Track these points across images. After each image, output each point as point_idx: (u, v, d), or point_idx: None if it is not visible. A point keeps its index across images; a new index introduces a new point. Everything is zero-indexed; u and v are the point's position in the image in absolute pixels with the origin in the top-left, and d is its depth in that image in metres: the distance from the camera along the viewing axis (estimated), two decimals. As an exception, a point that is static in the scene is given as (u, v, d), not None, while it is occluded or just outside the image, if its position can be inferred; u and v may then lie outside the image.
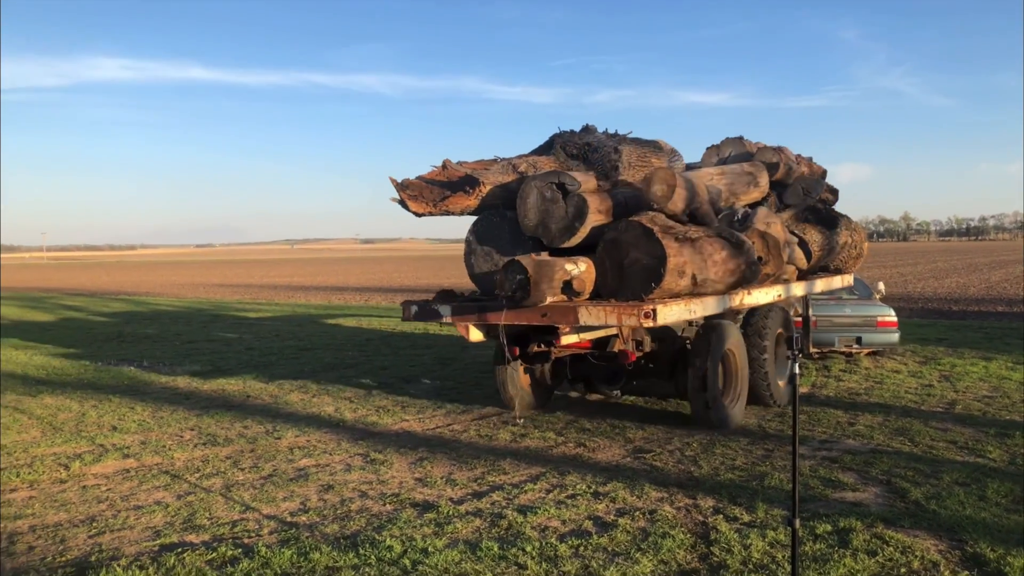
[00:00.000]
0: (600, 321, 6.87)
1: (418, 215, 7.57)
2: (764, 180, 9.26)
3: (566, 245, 7.18)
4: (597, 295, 7.10)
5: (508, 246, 7.52)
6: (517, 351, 7.97)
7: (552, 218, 7.13)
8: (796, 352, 3.58)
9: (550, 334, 7.61)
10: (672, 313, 6.80)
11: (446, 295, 7.95)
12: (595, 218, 7.05)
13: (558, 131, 8.38)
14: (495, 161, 7.89)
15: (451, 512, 5.38)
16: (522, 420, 7.92)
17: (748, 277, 7.72)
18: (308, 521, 5.27)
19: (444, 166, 7.70)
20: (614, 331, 7.60)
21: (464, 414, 8.61)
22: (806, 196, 10.09)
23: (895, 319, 11.77)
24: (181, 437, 7.75)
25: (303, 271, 68.73)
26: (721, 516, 5.18)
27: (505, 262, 6.88)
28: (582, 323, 6.97)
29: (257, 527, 5.17)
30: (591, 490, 5.80)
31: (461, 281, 42.44)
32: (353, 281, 46.23)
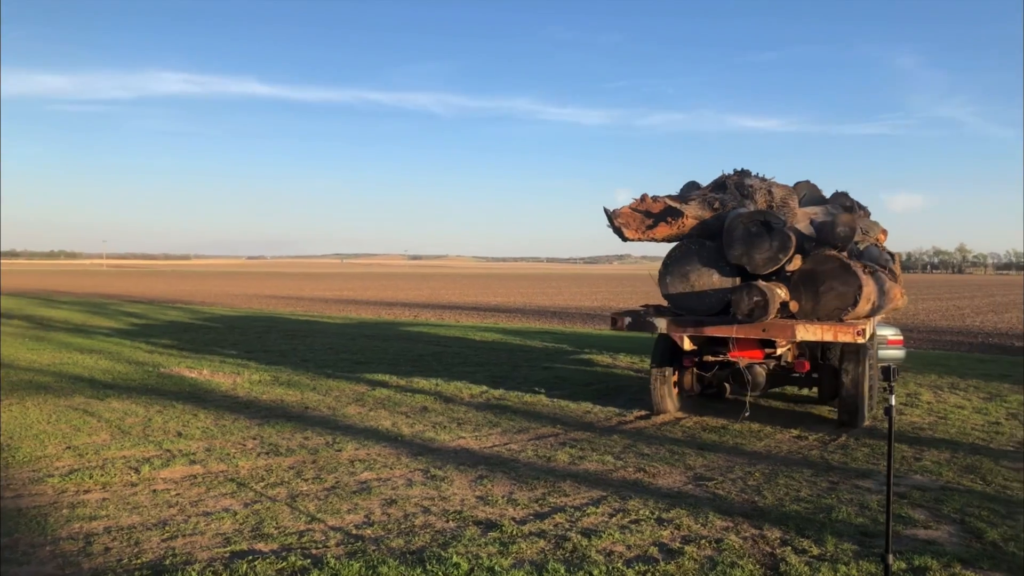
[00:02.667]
0: (816, 337, 8.19)
1: (627, 240, 9.17)
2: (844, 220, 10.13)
3: (767, 273, 8.56)
4: (791, 316, 8.50)
5: (703, 271, 8.89)
6: (693, 362, 9.36)
7: (757, 250, 8.48)
8: (892, 383, 3.53)
9: (724, 346, 8.98)
10: (871, 331, 8.21)
11: (658, 309, 9.38)
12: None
13: (723, 173, 9.95)
14: (689, 196, 9.33)
15: (515, 532, 5.38)
16: (747, 415, 8.97)
17: (900, 304, 9.92)
18: (373, 535, 5.32)
19: (643, 199, 9.07)
20: (785, 346, 8.96)
21: (520, 433, 8.62)
22: (865, 235, 10.48)
23: (902, 338, 12.90)
24: (244, 445, 7.88)
25: (353, 285, 69.55)
26: (789, 548, 5.10)
27: (742, 286, 8.26)
28: (798, 338, 8.30)
29: (324, 538, 5.24)
30: (654, 516, 5.76)
31: (508, 299, 42.56)
32: (402, 296, 46.65)
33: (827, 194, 11.32)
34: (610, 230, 9.30)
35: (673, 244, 9.43)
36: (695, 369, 9.59)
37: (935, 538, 5.33)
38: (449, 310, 33.19)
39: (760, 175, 10.24)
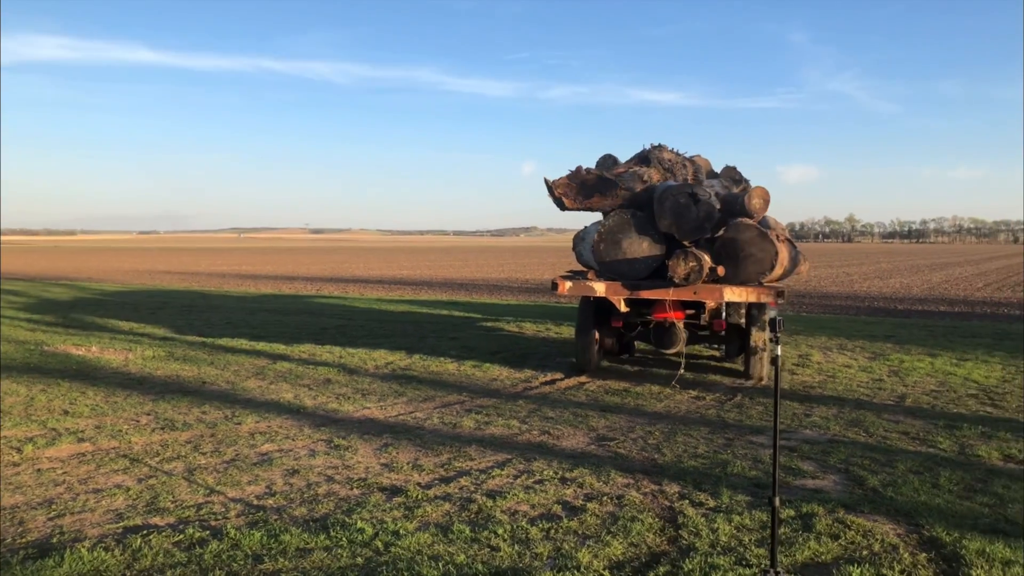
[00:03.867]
0: (741, 299, 8.99)
1: (566, 209, 9.79)
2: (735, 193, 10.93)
3: (692, 240, 9.15)
4: (715, 280, 9.12)
5: (635, 239, 9.45)
6: (622, 323, 10.05)
7: (685, 219, 9.05)
8: (777, 334, 3.69)
9: (647, 307, 9.69)
10: (786, 294, 9.01)
11: (598, 275, 9.79)
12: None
13: (645, 147, 10.76)
14: (619, 168, 10.04)
15: (420, 496, 5.37)
16: (676, 385, 9.46)
17: (803, 270, 11.46)
18: (275, 504, 5.21)
19: (577, 171, 9.74)
20: (713, 305, 9.72)
21: (426, 402, 8.60)
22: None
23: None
24: (137, 421, 7.58)
25: (252, 260, 67.64)
26: (687, 501, 5.27)
27: (679, 253, 8.91)
28: (726, 300, 9.04)
29: (223, 510, 5.10)
30: (558, 476, 5.85)
31: (415, 272, 42.26)
32: (304, 271, 45.66)
33: (716, 167, 11.98)
34: (550, 200, 9.95)
35: (599, 214, 10.17)
36: (622, 329, 10.24)
37: (822, 487, 5.60)
38: (353, 283, 32.70)
39: (675, 149, 10.95)
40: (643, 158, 10.51)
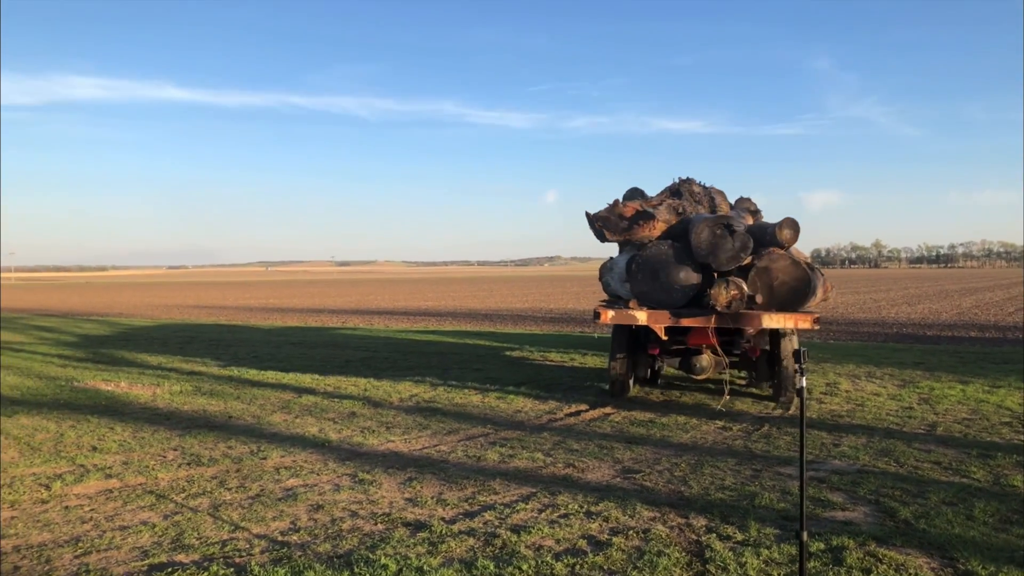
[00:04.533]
0: (779, 325, 9.23)
1: (606, 240, 10.23)
2: (750, 223, 11.32)
3: (728, 270, 9.44)
4: (750, 308, 9.31)
5: (672, 269, 9.70)
6: (658, 350, 10.38)
7: (721, 249, 9.41)
8: (802, 365, 3.65)
9: (683, 335, 10.03)
10: (820, 321, 9.22)
11: (639, 304, 9.91)
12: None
13: (676, 180, 11.27)
14: (659, 201, 10.31)
15: (444, 531, 5.34)
16: (723, 409, 9.68)
17: (829, 297, 11.26)
18: (300, 540, 5.21)
19: (615, 204, 10.12)
20: (751, 332, 9.85)
21: (450, 435, 8.58)
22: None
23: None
24: (164, 457, 7.63)
25: (279, 293, 68.21)
26: (714, 535, 5.20)
27: (720, 281, 9.22)
28: (764, 326, 9.29)
29: (248, 546, 5.10)
30: (583, 509, 5.80)
31: (439, 303, 42.40)
32: (330, 303, 45.96)
33: (731, 198, 12.38)
34: (590, 232, 10.34)
35: (624, 245, 10.55)
36: (657, 356, 10.56)
37: (852, 519, 5.50)
38: (379, 315, 32.85)
39: (701, 182, 11.39)
40: (674, 191, 10.93)
